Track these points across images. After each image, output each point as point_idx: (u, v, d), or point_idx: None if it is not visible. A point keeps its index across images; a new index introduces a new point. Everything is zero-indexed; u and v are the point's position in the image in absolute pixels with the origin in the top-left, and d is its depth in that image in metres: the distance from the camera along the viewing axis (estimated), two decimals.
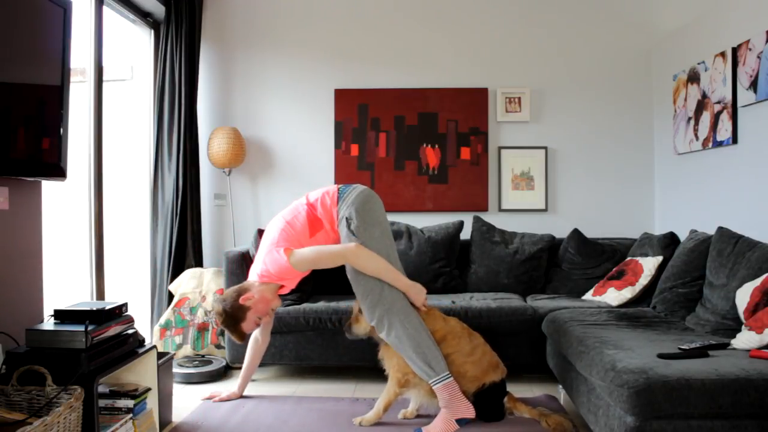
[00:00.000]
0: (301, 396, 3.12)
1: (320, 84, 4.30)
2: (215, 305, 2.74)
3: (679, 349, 2.22)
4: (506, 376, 2.70)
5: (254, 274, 2.80)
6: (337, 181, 4.23)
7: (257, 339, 3.02)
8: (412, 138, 4.24)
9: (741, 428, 1.91)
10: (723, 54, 3.24)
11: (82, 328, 2.10)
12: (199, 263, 3.97)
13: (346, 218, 2.70)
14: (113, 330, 2.26)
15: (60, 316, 2.21)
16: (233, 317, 2.70)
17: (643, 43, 4.23)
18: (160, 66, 3.94)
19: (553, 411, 2.67)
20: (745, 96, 3.05)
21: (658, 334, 2.55)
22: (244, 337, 2.79)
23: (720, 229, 2.87)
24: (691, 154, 3.69)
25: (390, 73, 4.28)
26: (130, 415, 2.36)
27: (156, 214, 3.93)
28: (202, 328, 3.64)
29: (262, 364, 3.27)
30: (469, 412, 2.52)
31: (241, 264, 3.40)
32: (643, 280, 3.32)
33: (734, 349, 2.26)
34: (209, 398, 3.03)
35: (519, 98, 4.24)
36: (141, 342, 2.49)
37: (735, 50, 3.14)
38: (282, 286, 2.80)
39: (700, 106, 3.50)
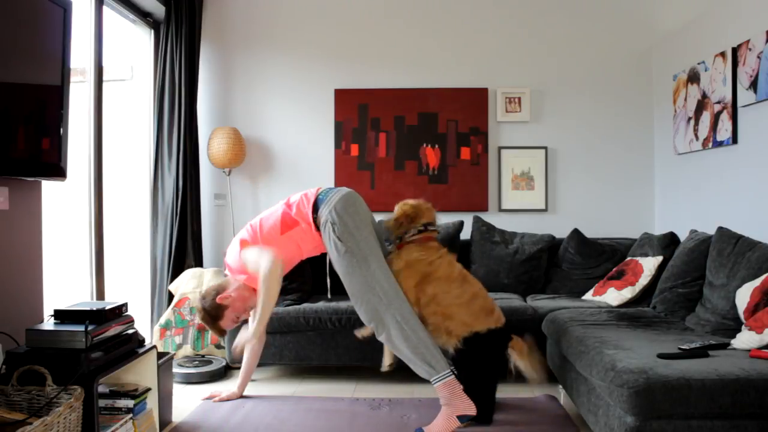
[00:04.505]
0: (301, 396, 3.12)
1: (320, 84, 4.30)
2: (196, 303, 2.81)
3: (679, 349, 2.22)
4: (503, 324, 2.68)
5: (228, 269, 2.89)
6: (337, 181, 4.23)
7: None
8: (412, 138, 4.24)
9: (741, 428, 1.91)
10: (723, 54, 3.24)
11: (82, 328, 2.10)
12: (199, 263, 3.97)
13: (330, 223, 2.67)
14: (113, 330, 2.26)
15: (60, 316, 2.21)
16: (211, 315, 2.79)
17: (643, 43, 4.23)
18: (160, 66, 3.94)
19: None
20: (745, 96, 3.05)
21: (658, 334, 2.55)
22: (224, 334, 2.89)
23: (720, 229, 2.87)
24: (691, 154, 3.69)
25: (390, 73, 4.28)
26: (130, 415, 2.36)
27: (156, 214, 3.93)
28: (202, 328, 3.64)
29: (262, 364, 3.27)
30: (471, 409, 2.52)
31: None
32: (643, 280, 3.32)
33: (734, 349, 2.26)
34: (209, 398, 3.03)
35: (519, 98, 4.24)
36: (141, 342, 2.49)
37: (735, 50, 3.14)
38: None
39: (700, 106, 3.50)
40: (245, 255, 2.75)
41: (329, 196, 2.74)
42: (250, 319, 2.97)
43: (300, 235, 2.77)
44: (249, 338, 2.79)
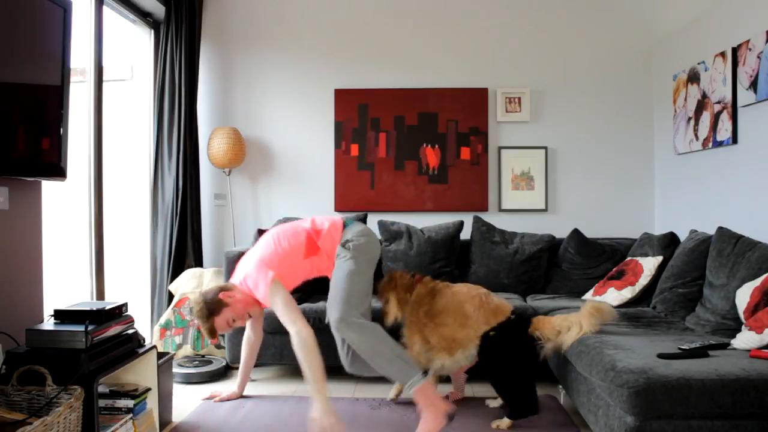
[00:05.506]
0: (301, 396, 3.12)
1: (320, 84, 4.30)
2: (197, 296, 2.80)
3: (679, 349, 2.22)
4: (508, 315, 2.66)
5: (236, 278, 2.84)
6: (337, 181, 4.24)
7: (250, 336, 3.07)
8: (412, 138, 4.24)
9: (741, 428, 1.92)
10: (723, 54, 3.24)
11: (82, 328, 2.10)
12: (199, 263, 3.97)
13: (347, 239, 2.79)
14: (113, 330, 2.26)
15: (60, 316, 2.21)
16: (209, 309, 2.73)
17: (643, 43, 4.23)
18: (160, 66, 3.94)
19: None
20: (745, 96, 3.05)
21: (658, 334, 2.55)
22: (215, 335, 2.79)
23: (720, 229, 2.88)
24: (691, 154, 3.69)
25: (390, 73, 4.28)
26: (130, 415, 2.36)
27: (156, 214, 3.93)
28: None
29: (262, 364, 3.28)
30: (448, 406, 2.53)
31: None
32: (643, 280, 3.32)
33: (734, 349, 2.26)
34: (209, 398, 3.04)
35: (519, 98, 4.24)
36: (141, 342, 2.50)
37: (735, 50, 3.14)
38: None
39: (700, 106, 3.50)
40: (273, 299, 2.68)
41: (353, 224, 2.91)
42: (247, 325, 3.03)
43: (317, 261, 2.84)
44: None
